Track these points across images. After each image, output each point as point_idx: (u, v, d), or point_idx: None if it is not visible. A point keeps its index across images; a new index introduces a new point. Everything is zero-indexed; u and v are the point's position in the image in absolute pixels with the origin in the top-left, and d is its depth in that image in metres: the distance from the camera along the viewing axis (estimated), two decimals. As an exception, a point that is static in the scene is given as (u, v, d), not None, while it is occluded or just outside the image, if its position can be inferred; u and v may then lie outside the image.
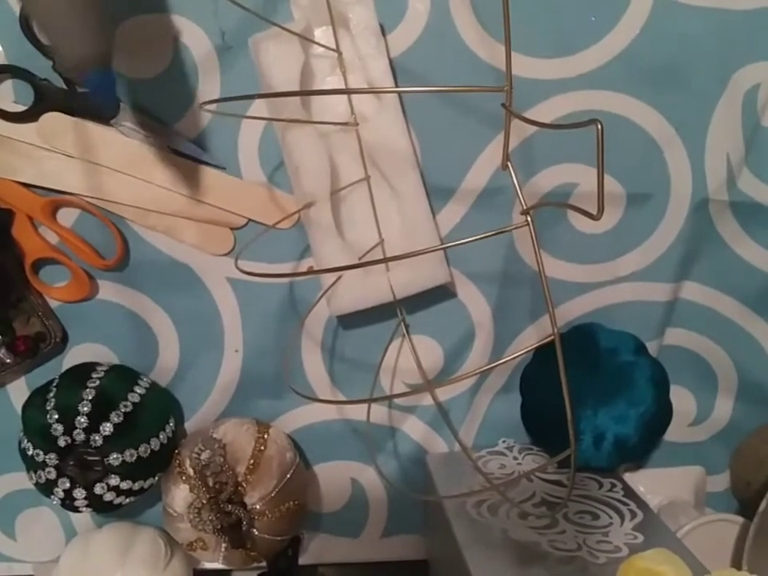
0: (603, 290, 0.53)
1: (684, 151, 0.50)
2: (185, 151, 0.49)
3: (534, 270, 0.52)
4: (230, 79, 0.48)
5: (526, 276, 0.52)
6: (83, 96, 0.47)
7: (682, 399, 0.55)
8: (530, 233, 0.27)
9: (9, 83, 0.48)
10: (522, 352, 0.29)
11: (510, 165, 0.29)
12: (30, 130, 0.48)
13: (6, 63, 0.47)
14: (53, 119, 0.47)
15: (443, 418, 0.55)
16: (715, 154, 0.49)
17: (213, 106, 0.48)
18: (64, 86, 0.47)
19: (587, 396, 0.50)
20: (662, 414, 0.52)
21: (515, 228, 0.28)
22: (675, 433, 0.55)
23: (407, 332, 0.53)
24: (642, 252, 0.52)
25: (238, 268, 0.36)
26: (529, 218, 0.27)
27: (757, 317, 0.53)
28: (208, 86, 0.48)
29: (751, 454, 0.55)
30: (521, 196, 0.28)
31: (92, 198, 0.49)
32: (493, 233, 0.29)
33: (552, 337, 0.27)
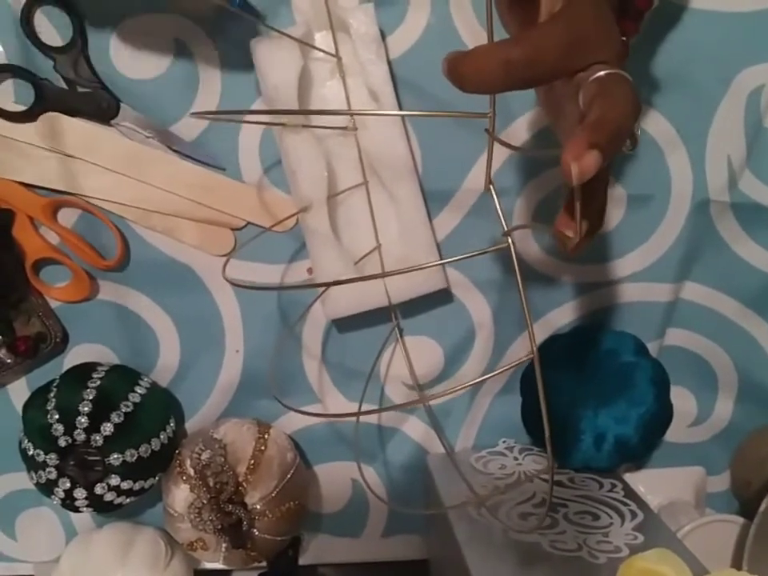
0: (604, 290, 0.53)
1: (685, 152, 0.49)
2: (185, 152, 0.49)
3: (535, 270, 0.52)
4: (229, 80, 0.48)
5: (527, 276, 0.52)
6: (83, 96, 0.47)
7: (682, 400, 0.55)
8: (511, 254, 0.28)
9: (9, 83, 0.47)
10: (502, 370, 0.30)
11: (492, 187, 0.29)
12: (30, 129, 0.47)
13: (6, 63, 0.47)
14: (53, 119, 0.47)
15: (435, 428, 0.54)
16: (716, 155, 0.49)
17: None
18: (64, 86, 0.47)
19: (588, 396, 0.50)
20: (663, 414, 0.52)
21: (496, 249, 0.29)
22: (676, 433, 0.55)
23: (401, 337, 0.53)
24: (642, 252, 0.52)
25: (225, 278, 0.35)
26: (510, 240, 0.28)
27: (757, 317, 0.53)
28: (208, 87, 0.48)
29: (752, 455, 0.55)
30: (502, 219, 0.28)
31: (92, 198, 0.49)
32: (475, 253, 0.30)
33: (531, 356, 0.28)
